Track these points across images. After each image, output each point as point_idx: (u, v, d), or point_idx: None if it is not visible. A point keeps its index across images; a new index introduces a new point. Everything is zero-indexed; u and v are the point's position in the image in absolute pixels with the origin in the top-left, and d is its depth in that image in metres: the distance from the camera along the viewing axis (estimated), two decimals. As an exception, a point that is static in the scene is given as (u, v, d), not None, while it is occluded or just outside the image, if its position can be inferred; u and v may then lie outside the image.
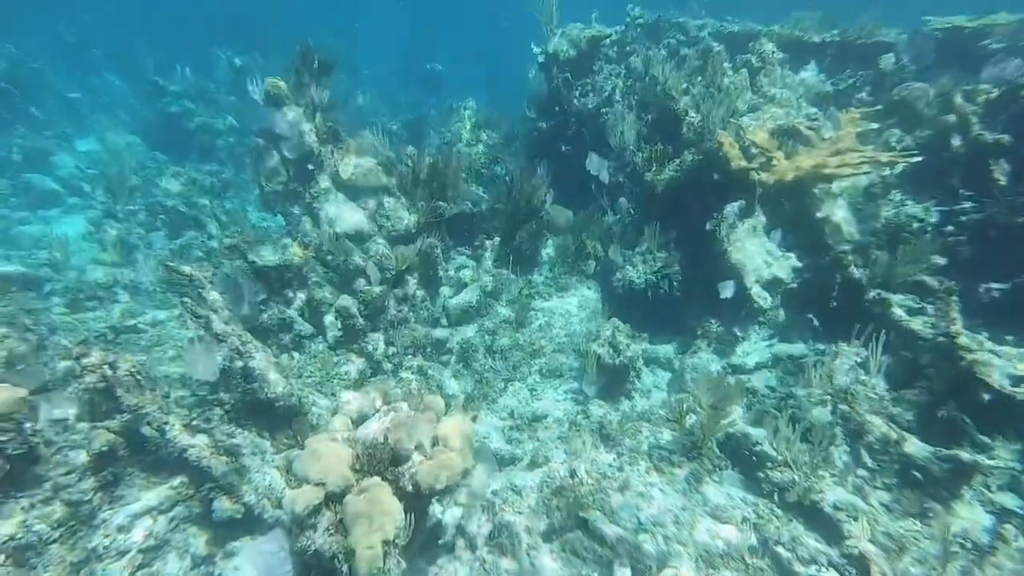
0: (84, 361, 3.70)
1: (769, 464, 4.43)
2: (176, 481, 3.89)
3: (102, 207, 9.89)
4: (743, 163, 6.06)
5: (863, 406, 4.54)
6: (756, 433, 4.68)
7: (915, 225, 5.67)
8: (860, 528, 3.68)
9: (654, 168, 6.87)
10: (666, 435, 5.06)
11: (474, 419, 5.31)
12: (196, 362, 4.38)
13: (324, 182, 6.46)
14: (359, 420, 4.23)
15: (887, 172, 6.09)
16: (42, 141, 12.48)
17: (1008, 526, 3.71)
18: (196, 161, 13.23)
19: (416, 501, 3.63)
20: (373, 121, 12.77)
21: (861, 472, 4.28)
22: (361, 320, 5.90)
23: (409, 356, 6.04)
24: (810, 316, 5.92)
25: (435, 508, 3.86)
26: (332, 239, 6.12)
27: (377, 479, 3.51)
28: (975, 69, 6.62)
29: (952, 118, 5.91)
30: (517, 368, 6.07)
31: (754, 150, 6.16)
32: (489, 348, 6.21)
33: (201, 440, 3.96)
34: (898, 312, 5.09)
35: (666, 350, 6.43)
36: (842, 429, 4.58)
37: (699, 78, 7.43)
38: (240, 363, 4.51)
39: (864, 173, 5.78)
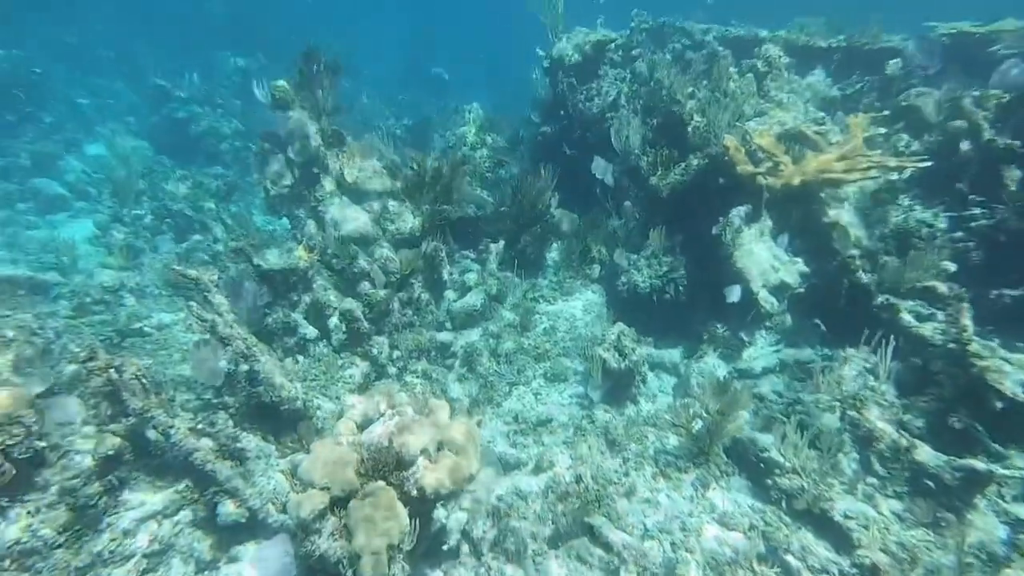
0: (90, 365, 3.70)
1: (777, 471, 4.39)
2: (181, 485, 3.88)
3: (109, 211, 9.93)
4: (749, 167, 6.03)
5: (873, 413, 4.49)
6: (763, 439, 4.64)
7: (924, 230, 5.63)
8: (871, 537, 3.63)
9: (659, 172, 6.86)
10: (672, 440, 5.02)
11: (479, 423, 5.28)
12: (201, 365, 4.38)
13: (329, 185, 6.47)
14: (364, 424, 4.21)
15: (895, 177, 6.05)
16: (50, 145, 12.57)
17: None
18: (202, 165, 13.29)
19: (421, 506, 3.61)
20: (377, 124, 12.85)
21: (871, 480, 4.23)
22: (365, 324, 5.89)
23: (413, 360, 6.03)
24: (817, 321, 5.87)
25: (439, 513, 3.83)
26: (337, 242, 6.12)
27: (382, 483, 3.48)
28: (983, 75, 6.58)
29: (962, 123, 5.87)
30: (521, 372, 6.04)
31: (761, 154, 6.13)
32: (493, 352, 6.19)
33: (206, 444, 3.96)
34: (907, 318, 5.04)
35: (672, 355, 6.39)
36: (851, 436, 4.53)
37: (704, 82, 7.42)
38: (245, 366, 4.51)
39: (872, 178, 5.75)
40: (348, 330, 5.84)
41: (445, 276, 6.69)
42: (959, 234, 5.53)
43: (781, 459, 4.39)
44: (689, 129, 6.79)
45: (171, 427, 3.80)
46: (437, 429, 3.84)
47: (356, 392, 5.45)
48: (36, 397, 3.40)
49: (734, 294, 5.82)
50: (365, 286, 6.06)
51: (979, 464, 3.88)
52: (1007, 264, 5.42)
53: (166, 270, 7.53)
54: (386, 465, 3.53)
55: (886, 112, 6.76)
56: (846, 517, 3.89)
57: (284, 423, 4.64)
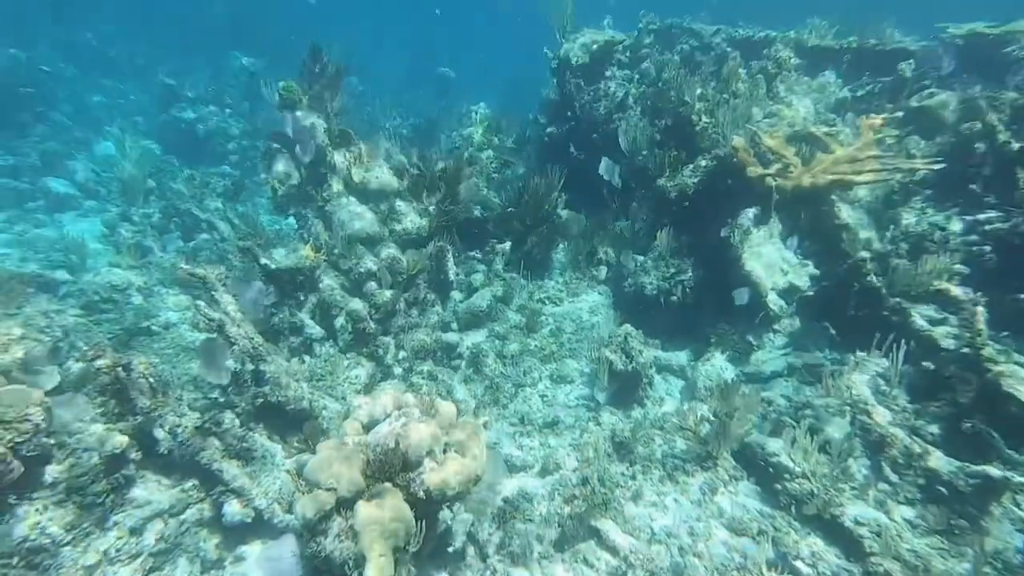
0: (98, 363, 3.70)
1: (786, 475, 4.34)
2: (188, 484, 3.88)
3: (117, 210, 10.00)
4: (758, 169, 5.98)
5: (884, 417, 4.43)
6: (772, 443, 4.59)
7: (937, 233, 5.56)
8: (883, 544, 3.58)
9: (667, 173, 6.82)
10: (680, 444, 4.98)
11: (485, 425, 5.26)
12: (208, 364, 4.38)
13: (336, 185, 6.47)
14: (370, 425, 4.20)
15: (908, 179, 5.98)
16: (59, 144, 12.68)
17: (1038, 545, 3.59)
18: (209, 164, 13.37)
19: (427, 507, 3.58)
20: (384, 124, 12.88)
21: (883, 486, 4.17)
22: (372, 324, 5.89)
23: (419, 361, 6.01)
24: (826, 324, 5.81)
25: (445, 514, 3.81)
26: (343, 242, 6.12)
27: (388, 484, 3.46)
28: (997, 77, 6.50)
29: (976, 125, 5.79)
30: (528, 374, 6.01)
31: (770, 156, 6.08)
32: (499, 353, 6.17)
33: (213, 443, 3.95)
34: (919, 321, 4.98)
35: (679, 357, 6.34)
36: (862, 441, 4.47)
37: (713, 83, 7.38)
38: (251, 366, 4.51)
39: (884, 180, 5.68)
40: (354, 330, 5.84)
41: (451, 277, 6.67)
42: (973, 237, 5.46)
43: (790, 464, 4.33)
44: (697, 130, 6.75)
45: (178, 426, 3.80)
46: (443, 430, 3.82)
47: (362, 393, 5.44)
48: (44, 395, 3.40)
49: (742, 297, 5.77)
50: (371, 286, 6.05)
51: (994, 471, 3.82)
52: (1022, 268, 5.33)
53: (173, 269, 7.57)
54: (392, 466, 3.51)
55: (898, 113, 6.68)
56: (857, 523, 3.84)
57: (290, 423, 4.64)
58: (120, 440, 3.65)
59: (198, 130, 14.26)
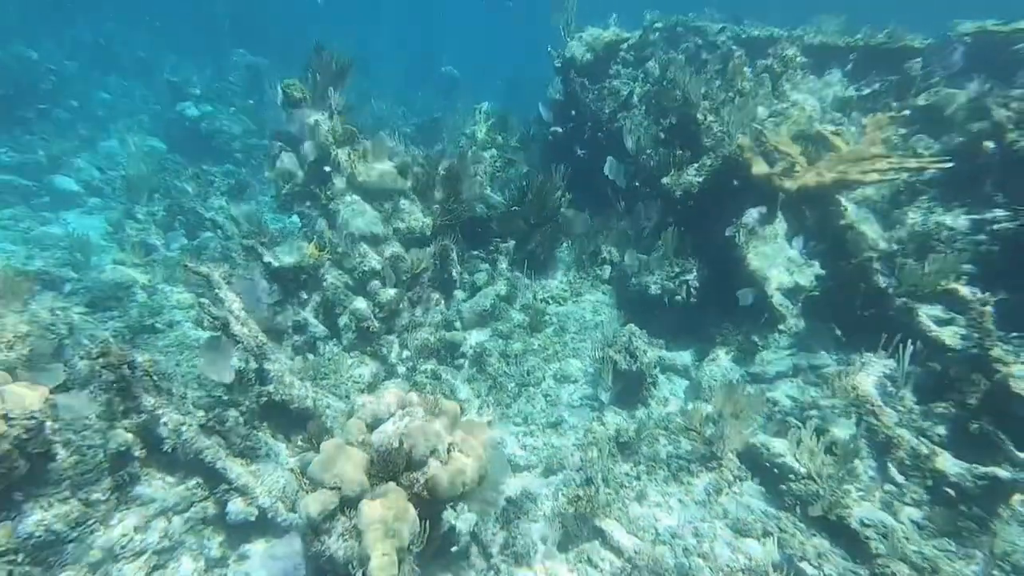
0: (103, 361, 3.70)
1: (791, 476, 4.31)
2: (192, 482, 3.88)
3: (122, 208, 10.03)
4: (764, 169, 5.94)
5: (891, 418, 4.40)
6: (777, 444, 4.56)
7: (944, 233, 5.51)
8: (890, 546, 3.55)
9: (672, 173, 6.78)
10: (684, 444, 4.95)
11: (489, 424, 5.25)
12: (212, 363, 4.38)
13: (340, 183, 6.47)
14: (373, 424, 4.19)
15: (915, 178, 5.93)
16: (65, 142, 12.72)
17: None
18: (214, 162, 13.38)
19: (431, 507, 3.57)
20: (388, 123, 12.86)
21: (889, 487, 4.14)
22: (375, 323, 5.88)
23: (423, 360, 6.00)
24: (832, 325, 5.77)
25: (449, 514, 3.80)
26: (347, 241, 6.11)
27: (392, 484, 3.45)
28: (1006, 74, 6.44)
29: (985, 124, 5.74)
30: (531, 373, 6.00)
31: (776, 155, 6.04)
32: (503, 353, 6.15)
33: (217, 441, 3.95)
34: (926, 322, 4.94)
35: (683, 357, 6.32)
36: (868, 442, 4.44)
37: (718, 82, 7.33)
38: (256, 364, 4.51)
39: (890, 180, 5.64)
40: (357, 329, 5.83)
41: (455, 275, 6.66)
42: (982, 237, 5.41)
43: (796, 464, 4.31)
44: (702, 129, 6.71)
45: (182, 424, 3.80)
46: (447, 430, 3.81)
47: (366, 391, 5.43)
48: (49, 392, 3.41)
49: (747, 297, 5.74)
50: (375, 285, 6.05)
51: (1002, 472, 3.79)
52: (1031, 268, 5.28)
53: (178, 267, 7.58)
54: (396, 465, 3.50)
55: (906, 112, 6.63)
56: (863, 525, 3.81)
57: (294, 422, 4.64)
58: (125, 437, 3.65)
59: (202, 128, 14.28)
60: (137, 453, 3.72)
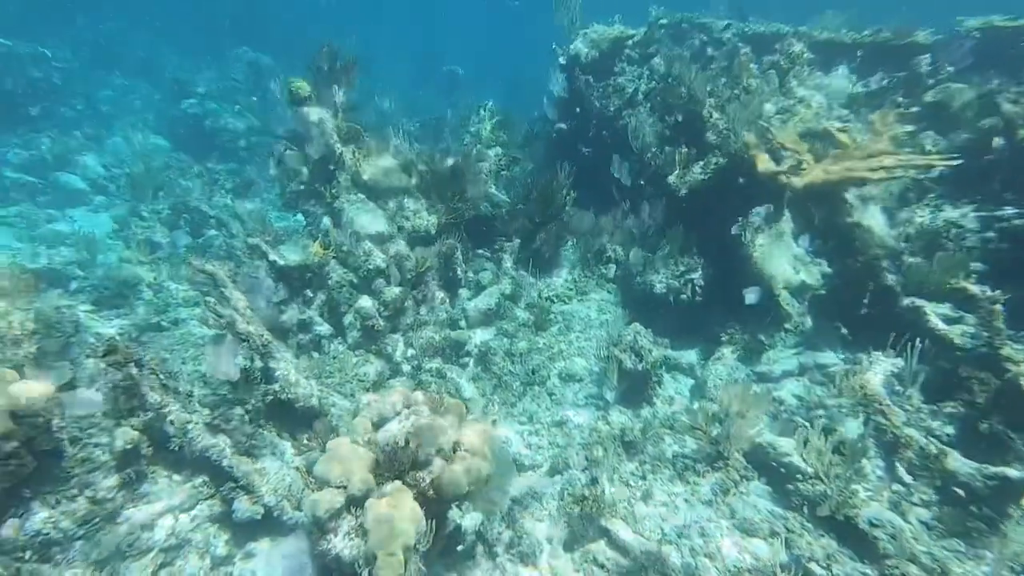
0: (109, 359, 3.71)
1: (799, 476, 4.29)
2: (198, 480, 3.89)
3: (127, 206, 10.06)
4: (770, 166, 5.90)
5: (899, 418, 4.37)
6: (784, 443, 4.54)
7: (953, 230, 5.46)
8: (899, 547, 3.52)
9: (677, 171, 6.74)
10: (690, 443, 4.93)
11: (494, 423, 5.24)
12: (218, 361, 4.38)
13: (345, 182, 6.46)
14: (379, 423, 4.19)
15: (923, 175, 5.88)
16: (70, 140, 12.76)
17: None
18: (218, 160, 13.40)
19: (436, 506, 3.57)
20: (392, 121, 12.83)
21: (897, 487, 4.11)
22: (380, 321, 5.88)
23: (428, 358, 6.00)
24: (839, 323, 5.74)
25: (455, 513, 3.80)
26: (352, 239, 6.11)
27: (398, 483, 3.45)
28: (1015, 70, 6.37)
29: (995, 120, 5.68)
30: (536, 372, 5.98)
31: (782, 153, 6.00)
32: (508, 351, 6.14)
33: (222, 440, 3.96)
34: (935, 320, 4.90)
35: (688, 356, 6.29)
36: (876, 441, 4.41)
37: (724, 79, 7.28)
38: (261, 363, 4.51)
39: (898, 177, 5.59)
40: (363, 328, 5.83)
41: (460, 274, 6.65)
42: (991, 234, 5.36)
43: (803, 464, 4.28)
44: (708, 127, 6.67)
45: (188, 422, 3.81)
46: (453, 429, 3.80)
47: (371, 390, 5.43)
48: (57, 390, 3.41)
49: (753, 295, 5.70)
50: (380, 283, 6.04)
51: (1012, 472, 3.75)
52: (1041, 266, 5.23)
53: (183, 265, 7.60)
54: (402, 464, 3.49)
55: (914, 108, 6.57)
56: (872, 525, 3.79)
57: (299, 420, 4.64)
58: (132, 435, 3.66)
59: (207, 126, 14.30)
60: (144, 451, 3.73)
